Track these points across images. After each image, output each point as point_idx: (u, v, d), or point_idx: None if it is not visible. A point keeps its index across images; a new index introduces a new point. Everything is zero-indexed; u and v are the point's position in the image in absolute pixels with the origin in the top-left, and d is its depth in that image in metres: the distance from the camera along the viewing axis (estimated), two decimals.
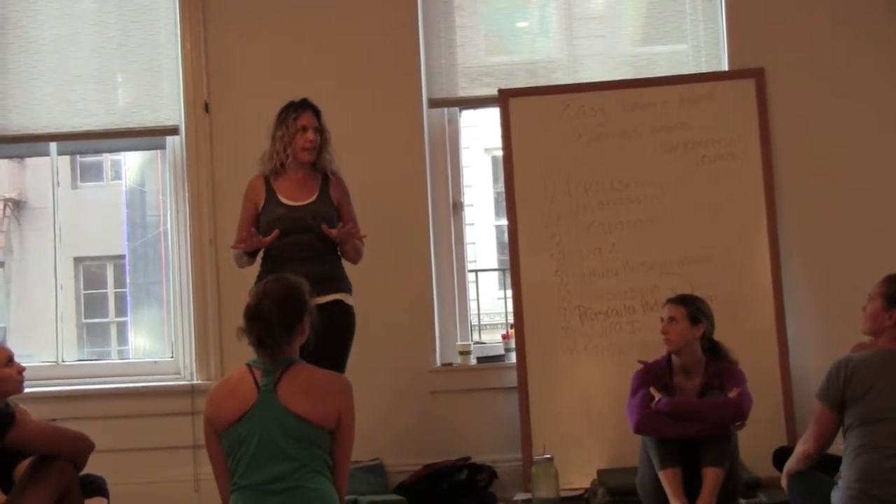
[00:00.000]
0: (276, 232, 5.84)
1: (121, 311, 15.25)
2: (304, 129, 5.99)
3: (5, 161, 14.95)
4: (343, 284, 6.00)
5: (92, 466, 4.77)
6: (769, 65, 7.02)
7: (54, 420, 5.22)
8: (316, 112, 6.04)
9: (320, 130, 6.03)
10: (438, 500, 6.54)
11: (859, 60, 7.08)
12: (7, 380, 5.06)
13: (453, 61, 7.36)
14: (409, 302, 7.09)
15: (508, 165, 7.05)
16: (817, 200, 6.99)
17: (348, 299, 5.99)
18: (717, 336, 5.90)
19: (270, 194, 5.99)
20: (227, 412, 4.36)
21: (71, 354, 7.85)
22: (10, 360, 5.14)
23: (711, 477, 5.52)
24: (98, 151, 12.56)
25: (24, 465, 4.61)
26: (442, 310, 7.25)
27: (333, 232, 5.88)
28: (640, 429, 5.71)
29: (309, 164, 6.03)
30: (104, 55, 7.42)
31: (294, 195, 5.98)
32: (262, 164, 6.09)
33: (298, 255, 5.83)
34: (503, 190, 7.14)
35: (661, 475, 5.58)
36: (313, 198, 5.98)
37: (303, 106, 6.05)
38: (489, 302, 12.71)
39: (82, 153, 13.04)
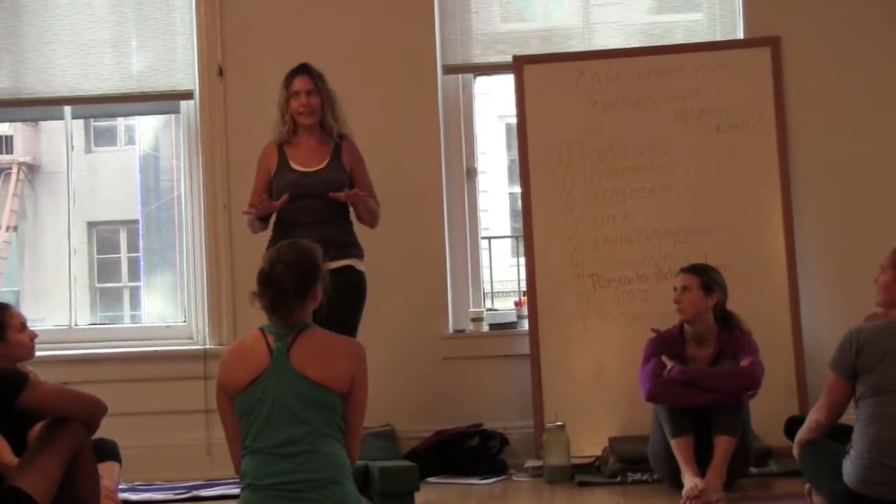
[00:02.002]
0: (285, 196, 5.87)
1: (134, 275, 15.31)
2: (297, 93, 6.03)
3: (20, 125, 15.05)
4: (354, 250, 6.01)
5: (104, 430, 4.77)
6: (785, 33, 6.98)
7: (67, 383, 5.24)
8: (312, 75, 6.05)
9: (319, 92, 6.03)
10: (450, 467, 6.56)
11: (876, 29, 7.04)
12: (20, 346, 5.08)
13: (468, 28, 7.34)
14: (422, 268, 7.10)
15: (522, 132, 7.03)
16: (832, 170, 6.97)
17: (359, 265, 6.00)
18: (730, 305, 5.91)
19: (282, 160, 6.03)
20: (239, 376, 4.36)
21: (84, 318, 7.88)
22: (23, 325, 5.15)
23: (723, 445, 5.54)
24: (112, 115, 12.58)
25: (38, 427, 4.62)
26: (455, 276, 7.25)
27: (341, 195, 5.89)
28: (652, 397, 5.72)
29: (319, 130, 6.04)
30: (119, 19, 7.42)
31: (305, 161, 6.01)
32: (274, 131, 6.10)
33: (309, 221, 5.86)
34: (517, 157, 7.13)
35: (673, 443, 5.59)
36: (324, 163, 6.01)
37: (297, 70, 6.09)
38: (502, 269, 12.72)
39: (96, 117, 13.06)
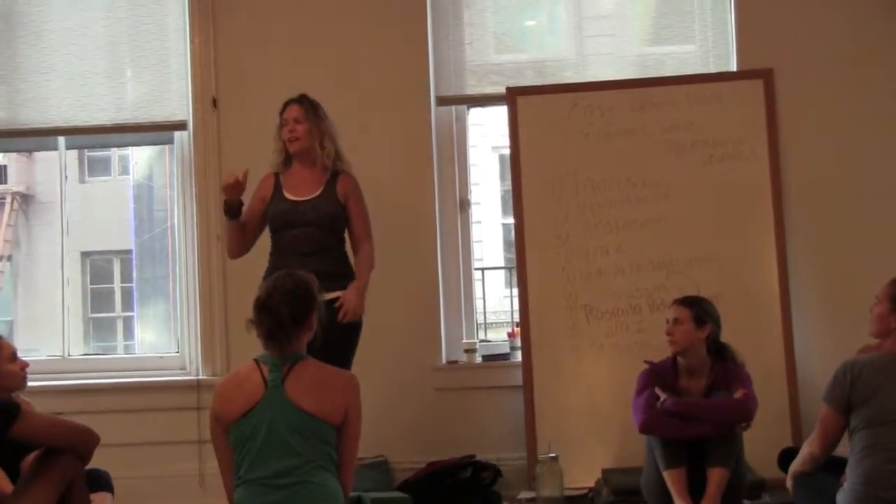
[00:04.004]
0: (246, 171, 5.92)
1: (127, 305, 15.28)
2: (286, 121, 6.08)
3: (14, 155, 15.03)
4: (347, 281, 6.00)
5: (97, 460, 4.78)
6: (778, 65, 7.01)
7: (60, 413, 5.23)
8: (304, 105, 6.09)
9: (307, 121, 6.05)
10: (443, 498, 6.53)
11: (868, 62, 7.06)
12: (11, 376, 5.05)
13: (462, 59, 7.36)
14: (415, 299, 7.09)
15: (516, 164, 7.04)
16: (824, 201, 6.98)
17: None
18: (724, 336, 5.88)
19: (277, 189, 6.06)
20: (234, 407, 4.37)
21: (77, 348, 7.86)
22: (14, 356, 5.14)
23: (716, 477, 5.52)
24: (106, 146, 12.57)
25: (31, 458, 4.61)
26: (448, 307, 7.25)
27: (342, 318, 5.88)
28: (645, 428, 5.70)
29: (313, 161, 6.06)
30: (113, 50, 7.43)
31: (298, 190, 6.03)
32: (271, 160, 6.14)
33: (301, 250, 5.87)
34: (510, 188, 7.14)
35: (666, 475, 5.57)
36: (316, 193, 6.01)
37: (291, 100, 6.15)
38: (495, 300, 12.68)
39: (90, 148, 13.06)
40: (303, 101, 6.10)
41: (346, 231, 6.14)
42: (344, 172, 6.12)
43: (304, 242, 5.91)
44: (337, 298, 5.78)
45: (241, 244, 6.09)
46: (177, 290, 7.51)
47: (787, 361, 6.74)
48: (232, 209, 5.96)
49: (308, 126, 6.06)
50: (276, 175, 6.11)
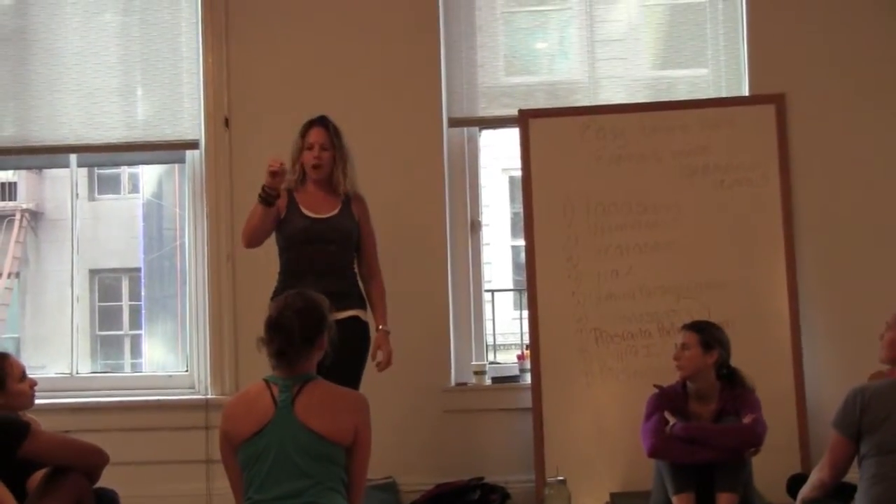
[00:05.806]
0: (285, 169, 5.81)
1: (135, 323, 15.30)
2: (311, 146, 6.02)
3: (24, 172, 15.09)
4: (360, 301, 6.00)
5: (104, 479, 4.77)
6: (790, 90, 7.00)
7: (68, 432, 5.22)
8: (329, 129, 6.04)
9: (333, 148, 6.03)
10: None
11: (881, 87, 7.06)
12: (20, 395, 5.06)
13: (474, 81, 7.36)
14: (424, 320, 7.07)
15: (527, 186, 7.04)
16: (836, 227, 6.97)
17: (364, 316, 6.00)
18: (733, 361, 5.87)
19: (293, 205, 5.99)
20: (243, 427, 4.36)
21: (84, 366, 7.86)
22: (23, 375, 5.14)
23: (725, 502, 5.51)
24: (118, 164, 12.59)
25: (38, 476, 4.61)
26: (457, 329, 7.24)
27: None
28: (654, 453, 5.69)
29: (331, 183, 6.03)
30: (126, 68, 7.44)
31: (316, 208, 5.98)
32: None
33: (317, 269, 5.82)
34: (520, 210, 7.13)
35: (675, 500, 5.56)
36: (335, 211, 5.98)
37: (315, 122, 6.07)
38: (505, 322, 12.69)
39: (101, 165, 13.08)
40: (328, 125, 6.04)
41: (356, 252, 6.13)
42: (356, 195, 6.11)
43: (322, 261, 5.88)
44: (349, 318, 5.79)
45: (263, 233, 5.99)
46: (186, 308, 7.50)
47: (797, 387, 6.72)
48: (270, 198, 5.84)
49: (332, 153, 6.02)
50: (289, 191, 6.07)
